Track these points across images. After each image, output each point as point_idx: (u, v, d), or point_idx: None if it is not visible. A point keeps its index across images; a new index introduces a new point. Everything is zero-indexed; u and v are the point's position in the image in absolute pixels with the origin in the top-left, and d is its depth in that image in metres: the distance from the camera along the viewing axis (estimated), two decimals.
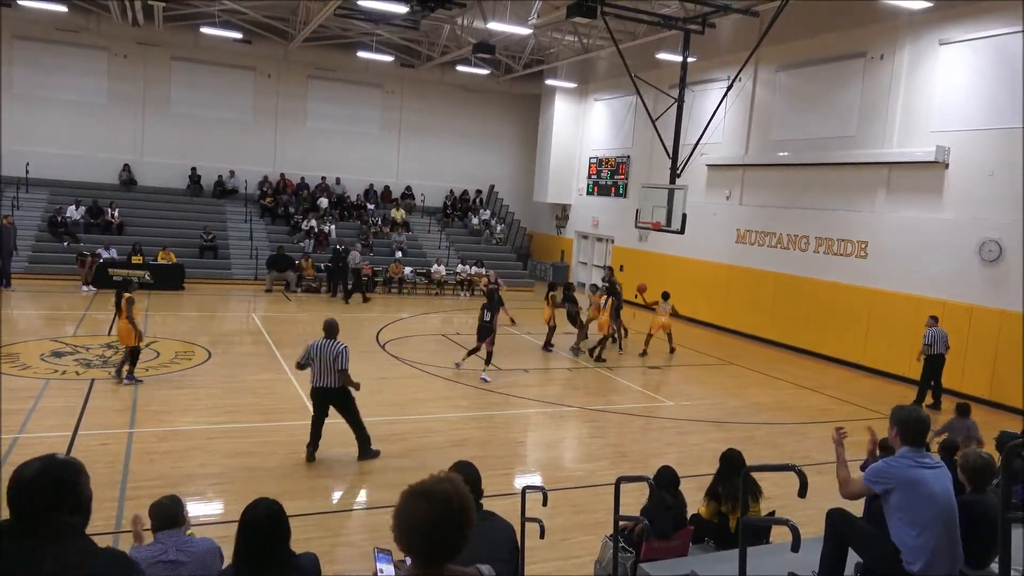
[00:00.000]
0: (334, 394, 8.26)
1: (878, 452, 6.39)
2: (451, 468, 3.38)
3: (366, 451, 8.49)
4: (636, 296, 17.34)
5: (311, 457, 8.30)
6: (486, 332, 12.80)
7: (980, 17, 13.84)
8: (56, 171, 22.92)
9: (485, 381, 12.58)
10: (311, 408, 8.52)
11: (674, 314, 16.22)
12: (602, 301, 15.71)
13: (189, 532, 3.73)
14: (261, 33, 23.26)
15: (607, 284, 16.88)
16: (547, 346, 15.97)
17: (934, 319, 12.95)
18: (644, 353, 15.91)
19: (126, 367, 10.83)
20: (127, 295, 10.76)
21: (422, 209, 27.97)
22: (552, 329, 15.94)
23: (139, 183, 24.21)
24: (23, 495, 2.08)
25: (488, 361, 12.85)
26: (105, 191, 23.23)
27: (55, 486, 2.11)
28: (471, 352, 13.04)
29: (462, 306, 21.43)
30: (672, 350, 16.24)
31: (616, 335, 16.14)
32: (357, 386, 8.40)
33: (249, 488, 7.38)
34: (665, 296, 16.08)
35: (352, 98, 27.04)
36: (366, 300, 20.65)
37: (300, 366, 8.34)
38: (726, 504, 5.66)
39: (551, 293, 16.38)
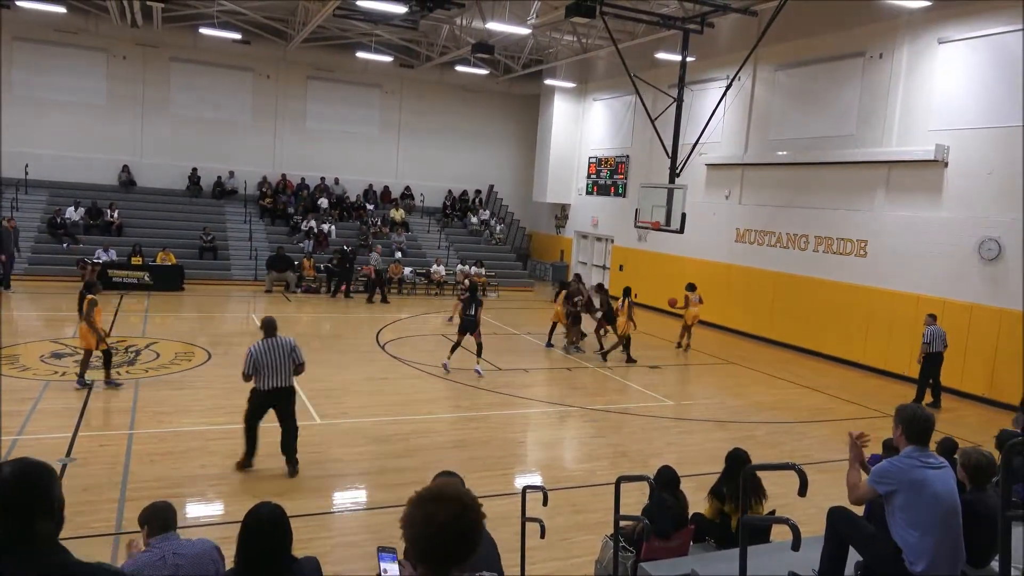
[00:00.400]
0: (287, 394, 7.90)
1: (882, 452, 6.40)
2: (435, 478, 3.35)
3: (293, 453, 8.02)
4: (641, 296, 17.40)
5: (249, 464, 7.90)
6: (470, 326, 12.83)
7: (979, 16, 13.84)
8: (55, 172, 22.92)
9: (479, 374, 12.71)
10: (250, 411, 7.87)
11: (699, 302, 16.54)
12: (620, 304, 15.62)
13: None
14: (260, 34, 23.25)
15: (577, 286, 17.08)
16: (549, 343, 16.09)
17: (932, 317, 12.96)
18: (680, 345, 16.69)
19: (107, 372, 10.66)
20: (89, 296, 10.53)
21: (421, 209, 27.96)
22: (567, 327, 16.01)
23: (138, 184, 24.21)
24: None
25: (479, 353, 12.92)
26: (104, 192, 23.24)
27: (29, 489, 2.08)
28: (454, 348, 13.05)
29: None
30: (678, 344, 16.73)
31: (613, 335, 16.18)
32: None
33: (249, 489, 7.41)
34: (691, 287, 16.24)
35: (351, 98, 27.03)
36: (371, 301, 20.65)
37: (247, 377, 7.76)
38: (729, 504, 5.64)
39: (564, 291, 16.30)
